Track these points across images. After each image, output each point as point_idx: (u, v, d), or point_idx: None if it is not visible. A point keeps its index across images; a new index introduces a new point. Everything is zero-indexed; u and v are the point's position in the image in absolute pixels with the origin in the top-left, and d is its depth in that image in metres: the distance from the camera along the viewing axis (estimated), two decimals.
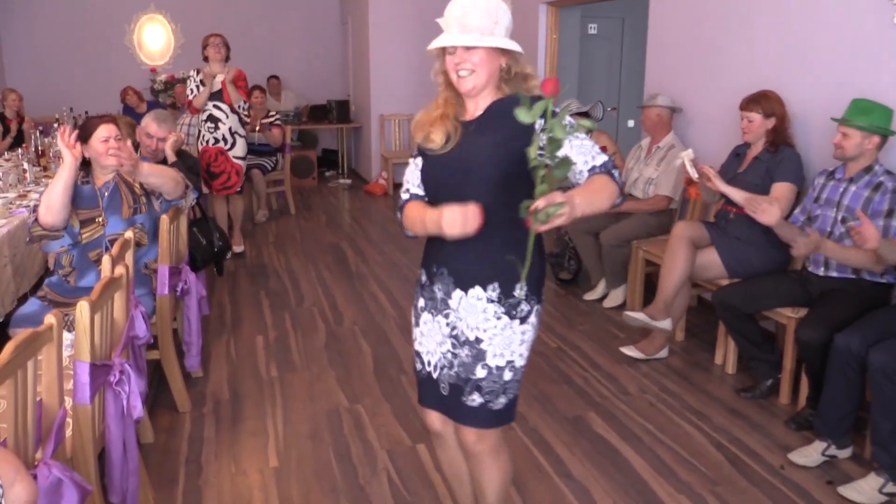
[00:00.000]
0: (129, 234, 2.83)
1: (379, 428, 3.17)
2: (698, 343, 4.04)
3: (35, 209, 3.06)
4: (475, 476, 2.15)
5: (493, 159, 1.88)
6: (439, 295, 2.00)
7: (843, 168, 3.15)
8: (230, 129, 5.53)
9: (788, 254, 3.36)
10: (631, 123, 7.37)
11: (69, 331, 2.85)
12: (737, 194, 3.41)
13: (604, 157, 1.89)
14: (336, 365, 3.82)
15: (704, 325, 4.17)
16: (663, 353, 3.87)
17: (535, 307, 1.98)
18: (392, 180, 8.59)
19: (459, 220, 1.74)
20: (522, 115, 1.67)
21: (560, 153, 1.70)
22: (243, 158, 5.68)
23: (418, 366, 2.11)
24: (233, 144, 5.56)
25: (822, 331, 2.89)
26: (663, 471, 2.83)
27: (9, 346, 1.70)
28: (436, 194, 1.97)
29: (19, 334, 1.78)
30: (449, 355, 2.00)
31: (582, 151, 1.87)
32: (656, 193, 4.47)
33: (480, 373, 1.95)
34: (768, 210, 3.10)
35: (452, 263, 1.96)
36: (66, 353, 2.41)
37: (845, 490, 2.64)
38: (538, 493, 2.69)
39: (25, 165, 4.75)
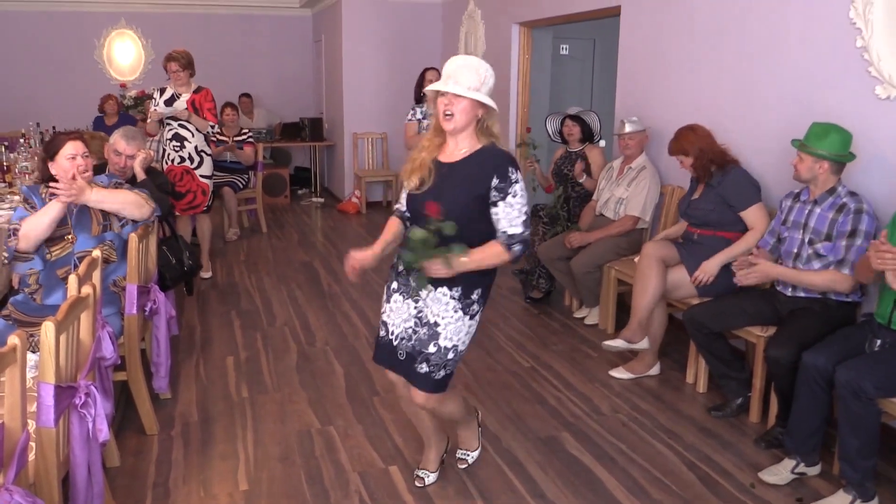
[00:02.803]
0: (96, 252, 2.79)
1: (351, 450, 3.13)
2: (670, 362, 4.07)
3: (14, 233, 2.99)
4: (416, 421, 2.83)
5: (457, 205, 2.43)
6: (413, 284, 2.53)
7: (807, 190, 3.22)
8: (196, 147, 5.40)
9: None
10: (602, 143, 7.44)
11: (33, 351, 2.79)
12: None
13: (517, 230, 2.45)
14: (308, 386, 3.78)
15: (675, 344, 4.21)
16: (655, 370, 3.90)
17: (482, 309, 2.61)
18: (365, 199, 8.57)
19: (347, 265, 2.58)
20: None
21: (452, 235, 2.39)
22: (209, 177, 5.56)
23: (382, 332, 2.65)
24: (199, 163, 5.43)
25: (790, 349, 2.94)
26: (636, 490, 2.83)
27: None
28: (415, 220, 2.55)
29: None
30: (410, 331, 2.57)
31: (508, 216, 2.44)
32: (625, 214, 4.51)
33: (432, 349, 2.52)
34: (753, 274, 3.21)
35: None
36: (30, 374, 2.36)
37: None
38: None
39: None
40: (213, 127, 5.50)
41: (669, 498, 2.78)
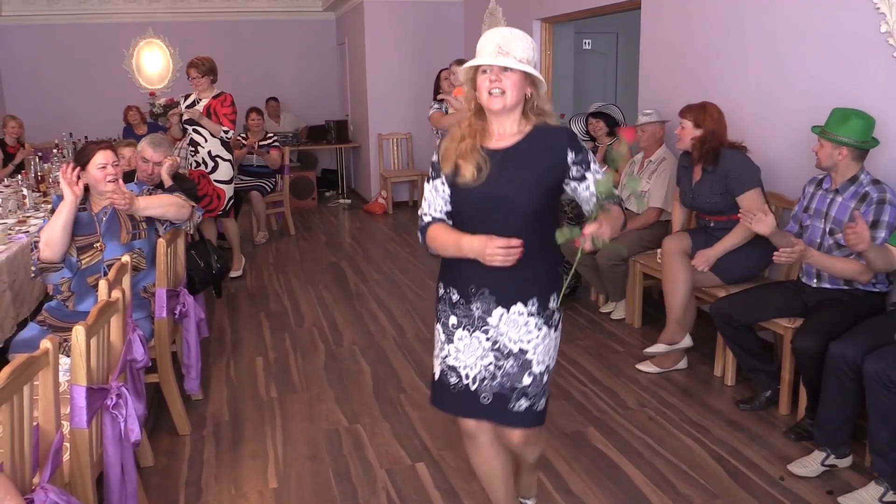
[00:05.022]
0: (125, 258, 2.86)
1: (378, 447, 3.17)
2: (697, 355, 4.04)
3: (36, 245, 3.08)
4: (518, 459, 2.38)
5: (529, 193, 2.06)
6: (477, 313, 2.14)
7: (829, 178, 3.17)
8: (209, 152, 5.45)
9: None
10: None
11: (67, 355, 2.87)
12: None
13: (616, 192, 2.13)
14: (335, 385, 3.82)
15: (703, 338, 4.17)
16: (682, 365, 3.88)
17: (562, 315, 2.23)
18: (391, 199, 8.62)
19: (502, 255, 1.95)
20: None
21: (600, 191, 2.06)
22: (228, 182, 5.58)
23: (453, 380, 2.19)
24: (214, 168, 5.47)
25: (818, 339, 2.90)
26: (662, 484, 2.83)
27: (4, 372, 1.71)
28: (467, 221, 2.12)
29: (15, 359, 1.80)
30: (492, 367, 2.15)
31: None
32: (649, 206, 4.49)
33: (527, 380, 2.14)
34: (763, 221, 3.11)
35: (494, 284, 2.10)
36: (63, 377, 2.43)
37: (845, 500, 2.64)
38: None
39: (25, 191, 4.79)
40: (226, 132, 5.50)
41: (697, 492, 2.77)
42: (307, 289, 5.58)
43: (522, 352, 2.13)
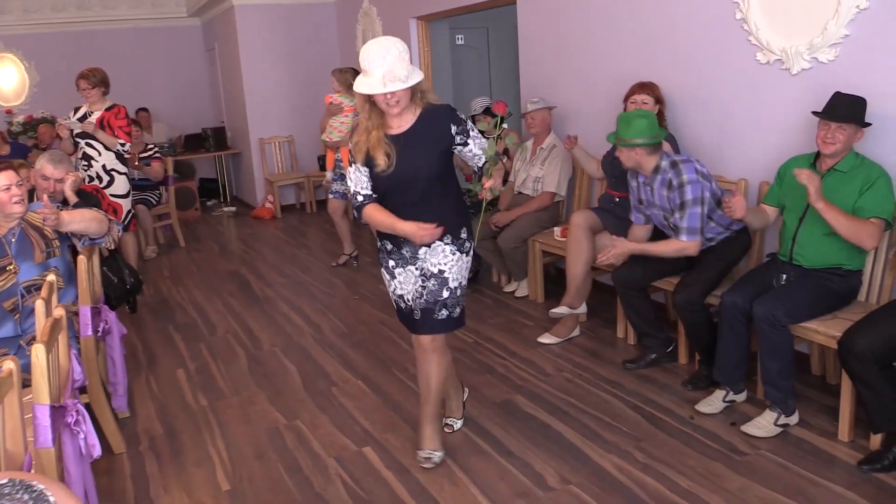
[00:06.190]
0: (51, 276, 2.81)
1: (322, 438, 3.27)
2: (600, 321, 4.39)
3: None
4: (424, 370, 2.95)
5: (428, 163, 2.72)
6: (408, 254, 2.83)
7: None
8: (104, 166, 5.32)
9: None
10: (505, 125, 7.77)
11: None
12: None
13: (499, 155, 2.85)
14: (264, 387, 3.87)
15: (603, 305, 4.53)
16: (576, 333, 4.20)
17: (472, 243, 2.90)
18: (279, 203, 8.57)
19: (427, 237, 2.69)
20: (489, 151, 2.75)
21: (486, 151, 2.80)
22: (125, 196, 5.47)
23: (402, 305, 2.92)
24: (109, 182, 5.35)
25: (691, 292, 3.35)
26: (591, 436, 3.12)
27: None
28: (387, 195, 2.76)
29: None
30: (420, 289, 2.83)
31: (480, 144, 2.80)
32: (543, 191, 4.81)
33: (445, 294, 2.81)
34: (614, 253, 3.54)
35: None
36: None
37: (747, 427, 3.03)
38: (485, 472, 2.90)
39: None
40: (122, 145, 5.40)
41: (622, 438, 3.08)
42: (212, 298, 5.52)
43: (441, 272, 2.79)
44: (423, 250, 2.78)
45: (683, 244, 3.35)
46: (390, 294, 2.99)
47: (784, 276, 3.13)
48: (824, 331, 2.92)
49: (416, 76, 2.59)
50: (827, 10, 3.19)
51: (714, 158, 3.85)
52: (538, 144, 4.91)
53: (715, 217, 3.39)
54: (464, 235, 2.84)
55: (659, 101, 3.96)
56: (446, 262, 2.79)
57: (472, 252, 2.89)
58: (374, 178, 2.74)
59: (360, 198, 2.80)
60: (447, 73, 7.31)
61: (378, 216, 2.76)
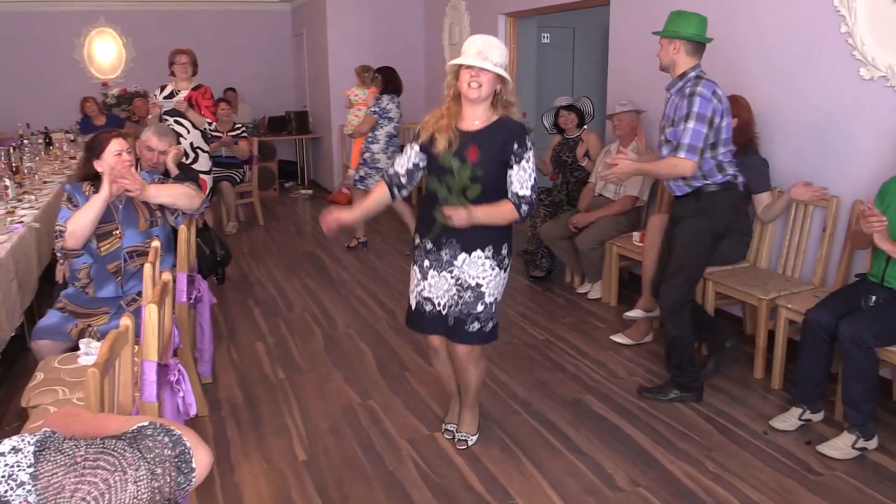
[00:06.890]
0: (156, 242, 2.97)
1: (395, 420, 3.37)
2: None
3: (60, 234, 3.14)
4: (462, 377, 3.03)
5: (486, 167, 2.69)
6: (445, 257, 2.82)
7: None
8: (191, 144, 5.54)
9: (736, 221, 3.60)
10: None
11: (98, 340, 2.97)
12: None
13: (526, 192, 2.72)
14: (340, 366, 3.99)
15: None
16: (649, 338, 4.19)
17: (511, 261, 2.90)
18: None
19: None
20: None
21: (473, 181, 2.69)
22: (207, 173, 5.68)
23: (428, 307, 2.90)
24: (194, 159, 5.55)
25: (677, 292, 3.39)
26: (662, 442, 3.12)
27: (105, 344, 1.86)
28: (435, 178, 2.75)
29: (109, 334, 1.93)
30: (455, 297, 2.84)
31: (520, 179, 2.72)
32: (625, 195, 4.79)
33: (479, 308, 2.83)
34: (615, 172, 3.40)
35: (459, 235, 2.76)
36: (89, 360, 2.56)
37: (823, 448, 2.99)
38: (554, 467, 2.95)
39: (7, 182, 4.75)
40: (210, 124, 5.61)
41: (693, 447, 3.08)
42: (290, 277, 5.69)
43: (478, 286, 2.81)
44: (461, 257, 2.79)
45: (678, 161, 3.17)
46: (411, 293, 2.97)
47: (874, 297, 3.06)
48: None
49: (504, 71, 2.64)
50: None
51: (808, 175, 3.77)
52: (623, 146, 4.88)
53: (704, 157, 3.22)
54: (504, 251, 2.84)
55: (736, 116, 3.74)
56: (485, 276, 2.80)
57: (509, 269, 2.89)
58: (429, 161, 2.78)
59: (390, 172, 2.89)
60: (531, 70, 7.33)
61: (369, 195, 3.00)
